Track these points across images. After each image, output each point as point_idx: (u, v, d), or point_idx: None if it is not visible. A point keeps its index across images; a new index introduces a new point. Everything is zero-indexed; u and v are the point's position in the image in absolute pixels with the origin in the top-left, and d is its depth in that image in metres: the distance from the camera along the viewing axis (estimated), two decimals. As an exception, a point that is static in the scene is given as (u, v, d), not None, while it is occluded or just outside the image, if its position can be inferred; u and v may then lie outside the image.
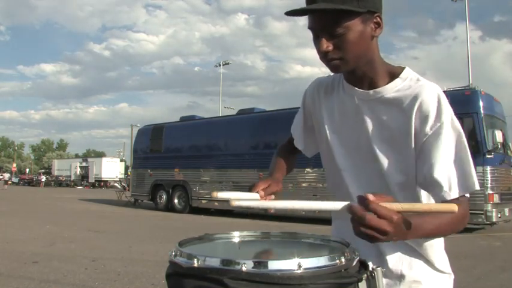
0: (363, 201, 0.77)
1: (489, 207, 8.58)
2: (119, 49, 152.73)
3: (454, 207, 0.77)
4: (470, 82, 12.10)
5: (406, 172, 1.05)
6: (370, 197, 0.77)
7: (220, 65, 40.61)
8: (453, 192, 0.96)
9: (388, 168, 1.06)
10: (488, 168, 8.68)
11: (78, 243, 7.20)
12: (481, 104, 8.95)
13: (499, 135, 8.99)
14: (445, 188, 0.96)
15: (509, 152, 9.75)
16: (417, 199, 1.06)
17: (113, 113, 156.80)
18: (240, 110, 14.43)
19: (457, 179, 0.97)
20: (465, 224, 1.00)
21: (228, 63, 41.64)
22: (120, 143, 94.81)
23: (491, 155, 8.72)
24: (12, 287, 4.32)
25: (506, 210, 9.14)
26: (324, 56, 1.01)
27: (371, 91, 1.06)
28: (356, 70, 1.05)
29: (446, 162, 0.97)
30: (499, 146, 9.16)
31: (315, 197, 10.81)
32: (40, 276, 4.72)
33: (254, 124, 12.89)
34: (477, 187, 0.98)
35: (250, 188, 1.11)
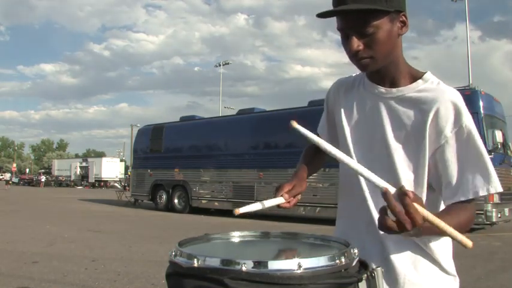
0: (400, 194, 0.79)
1: (489, 207, 8.58)
2: (118, 49, 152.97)
3: (469, 244, 0.82)
4: (471, 82, 12.10)
5: (416, 170, 1.06)
6: (410, 193, 0.79)
7: (220, 65, 40.61)
8: (461, 196, 1.00)
9: (400, 165, 1.07)
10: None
11: (78, 243, 7.20)
12: (481, 104, 8.95)
13: (499, 135, 9.00)
14: (455, 190, 1.01)
15: (509, 152, 9.75)
16: (423, 197, 1.06)
17: (113, 113, 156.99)
18: (240, 110, 14.43)
19: (471, 181, 1.01)
20: (470, 227, 1.03)
21: (228, 63, 41.63)
22: (120, 143, 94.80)
23: (491, 155, 8.71)
24: (12, 287, 4.32)
25: (506, 210, 9.14)
26: (354, 55, 1.04)
27: (394, 89, 1.09)
28: (381, 69, 1.08)
29: (459, 167, 1.01)
30: (499, 146, 9.17)
31: (315, 196, 10.81)
32: (40, 276, 4.72)
33: (254, 124, 12.89)
34: (499, 189, 1.02)
35: (276, 189, 1.13)
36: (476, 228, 9.30)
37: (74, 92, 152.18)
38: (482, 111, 8.89)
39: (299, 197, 1.14)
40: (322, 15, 1.01)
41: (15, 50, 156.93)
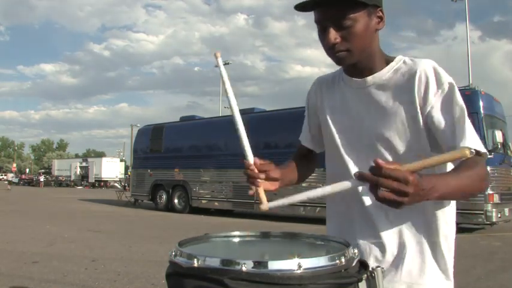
0: (374, 169, 0.78)
1: (489, 207, 8.57)
2: (118, 49, 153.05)
3: (466, 151, 0.79)
4: (471, 82, 12.09)
5: (416, 145, 1.05)
6: (381, 162, 0.78)
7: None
8: (467, 145, 0.95)
9: (395, 151, 1.07)
10: (488, 168, 8.64)
11: (78, 243, 7.19)
12: (481, 104, 8.94)
13: (499, 135, 8.99)
14: (458, 143, 0.96)
15: (509, 152, 9.75)
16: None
17: (113, 113, 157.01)
18: (240, 110, 14.41)
19: (467, 140, 0.96)
20: (487, 184, 0.99)
21: (228, 63, 41.57)
22: (120, 143, 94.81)
23: (491, 155, 8.70)
24: (12, 287, 4.32)
25: (506, 210, 9.13)
26: (331, 48, 1.05)
27: (368, 77, 1.10)
28: (357, 63, 1.09)
29: (453, 127, 0.99)
30: (499, 146, 9.15)
31: (315, 197, 10.79)
32: (40, 276, 4.72)
33: (254, 124, 12.89)
34: (484, 150, 0.97)
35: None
36: (476, 228, 9.29)
37: (74, 92, 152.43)
38: (482, 111, 8.88)
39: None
40: (301, 6, 1.02)
41: (15, 50, 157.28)
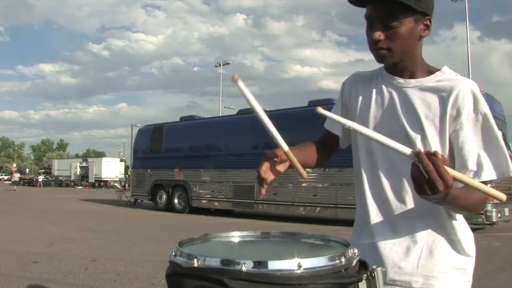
0: (431, 155, 0.84)
1: (489, 207, 8.58)
2: (118, 49, 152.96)
3: (503, 196, 0.85)
4: (470, 82, 12.08)
5: None
6: (439, 154, 0.83)
7: (220, 65, 40.59)
8: (478, 177, 1.02)
9: None
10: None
11: (78, 243, 7.19)
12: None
13: (499, 135, 8.99)
14: (472, 172, 1.03)
15: (509, 152, 9.75)
16: None
17: (113, 113, 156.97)
18: (240, 110, 14.41)
19: (488, 164, 1.04)
20: (483, 208, 1.10)
21: (228, 63, 41.58)
22: (120, 143, 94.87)
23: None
24: (12, 287, 4.32)
25: (506, 210, 9.14)
26: (375, 44, 1.08)
27: (412, 79, 1.13)
28: (399, 63, 1.12)
29: (475, 150, 1.05)
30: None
31: (315, 196, 10.81)
32: (40, 276, 4.72)
33: (254, 124, 12.82)
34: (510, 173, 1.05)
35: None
36: (476, 228, 9.30)
37: (73, 92, 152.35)
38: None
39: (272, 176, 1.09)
40: (354, 1, 1.09)
41: (15, 50, 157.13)
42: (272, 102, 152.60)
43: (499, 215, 8.79)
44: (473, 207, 1.02)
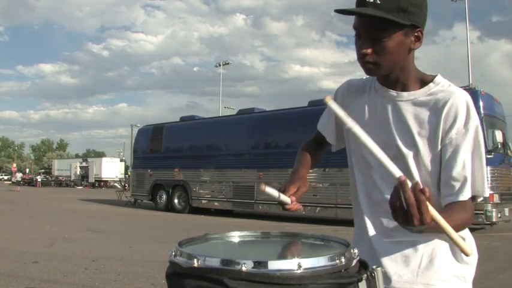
0: (418, 188, 0.80)
1: (489, 207, 8.58)
2: (117, 49, 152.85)
3: (469, 252, 0.85)
4: (470, 82, 12.10)
5: (431, 173, 1.08)
6: (427, 191, 0.80)
7: (220, 65, 40.59)
8: (462, 196, 1.02)
9: (412, 168, 1.09)
10: (488, 168, 8.66)
11: (78, 243, 7.19)
12: (481, 104, 8.94)
13: (499, 135, 8.99)
14: (456, 190, 1.03)
15: (509, 152, 9.75)
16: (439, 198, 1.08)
17: (112, 113, 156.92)
18: (240, 110, 14.42)
19: (469, 183, 1.03)
20: (469, 225, 1.07)
21: (228, 63, 41.57)
22: (120, 143, 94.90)
23: (491, 155, 8.71)
24: (12, 287, 4.32)
25: (506, 210, 9.14)
26: (362, 58, 1.06)
27: (405, 92, 1.11)
28: (390, 75, 1.10)
29: (462, 167, 1.03)
30: (499, 146, 9.16)
31: (315, 196, 10.81)
32: (40, 276, 4.72)
33: (254, 124, 12.88)
34: (486, 194, 1.05)
35: (281, 190, 1.13)
36: (476, 228, 9.30)
37: (73, 92, 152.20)
38: (482, 111, 8.87)
39: (300, 207, 1.15)
40: (341, 11, 1.05)
41: (15, 50, 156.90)
42: (272, 102, 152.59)
43: (499, 215, 8.79)
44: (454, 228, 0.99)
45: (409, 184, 0.80)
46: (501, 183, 9.06)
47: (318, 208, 11.01)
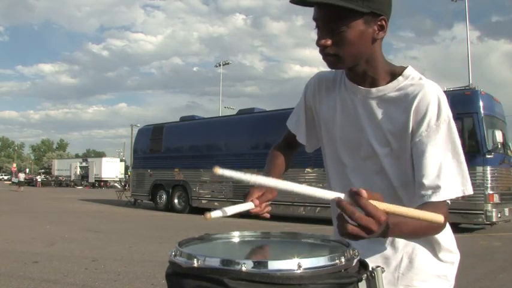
0: (353, 195, 0.74)
1: (489, 207, 8.57)
2: (117, 49, 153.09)
3: (441, 218, 0.76)
4: (470, 82, 12.09)
5: (405, 170, 1.04)
6: (363, 193, 0.73)
7: (220, 65, 40.60)
8: (437, 196, 0.94)
9: (388, 167, 1.06)
10: (488, 168, 8.68)
11: (78, 243, 7.19)
12: (481, 104, 8.94)
13: (499, 135, 8.99)
14: (429, 191, 0.95)
15: (509, 152, 9.74)
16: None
17: (112, 113, 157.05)
18: (240, 110, 14.43)
19: (446, 182, 0.95)
20: (443, 229, 0.99)
21: (228, 63, 41.58)
22: (120, 143, 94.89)
23: (491, 155, 8.71)
24: (12, 287, 4.32)
25: (506, 210, 9.13)
26: (322, 50, 1.01)
27: (373, 89, 1.06)
28: (356, 68, 1.05)
29: (435, 165, 0.96)
30: (499, 146, 9.15)
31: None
32: (40, 276, 4.72)
33: (254, 124, 12.88)
34: (469, 192, 0.96)
35: (244, 196, 1.10)
36: (476, 228, 9.30)
37: (73, 92, 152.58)
38: (482, 111, 8.88)
39: (269, 208, 1.13)
40: (296, 2, 0.98)
41: (14, 50, 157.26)
42: (272, 102, 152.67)
43: (499, 215, 8.78)
44: (424, 230, 0.92)
45: (347, 199, 0.75)
46: (501, 183, 9.05)
47: (318, 208, 11.01)
